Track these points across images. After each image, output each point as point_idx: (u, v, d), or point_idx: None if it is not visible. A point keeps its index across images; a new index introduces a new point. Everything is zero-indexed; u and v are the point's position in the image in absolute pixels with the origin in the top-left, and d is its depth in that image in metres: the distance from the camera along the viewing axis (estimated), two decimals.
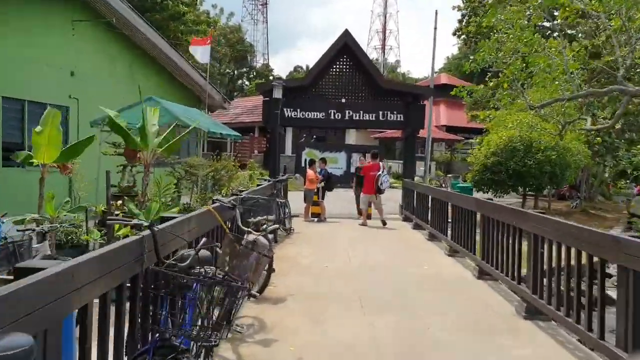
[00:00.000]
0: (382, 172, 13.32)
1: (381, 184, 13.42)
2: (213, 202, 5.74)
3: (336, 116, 17.94)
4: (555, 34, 20.61)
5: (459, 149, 55.06)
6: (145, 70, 15.59)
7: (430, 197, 12.22)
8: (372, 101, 17.95)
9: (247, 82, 72.24)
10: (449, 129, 48.60)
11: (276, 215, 10.49)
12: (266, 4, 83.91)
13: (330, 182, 15.26)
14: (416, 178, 41.44)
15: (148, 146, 8.35)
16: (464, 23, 38.05)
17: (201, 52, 17.00)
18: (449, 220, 10.39)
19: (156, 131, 8.55)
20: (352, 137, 42.98)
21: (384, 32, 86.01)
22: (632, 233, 5.45)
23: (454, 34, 42.05)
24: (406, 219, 15.79)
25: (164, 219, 4.20)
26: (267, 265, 5.77)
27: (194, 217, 4.55)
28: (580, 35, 20.93)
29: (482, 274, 7.65)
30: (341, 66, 17.91)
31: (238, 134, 12.14)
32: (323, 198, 15.19)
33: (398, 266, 8.61)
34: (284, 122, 18.09)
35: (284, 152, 38.89)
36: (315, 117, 17.95)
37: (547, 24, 20.79)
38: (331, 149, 36.43)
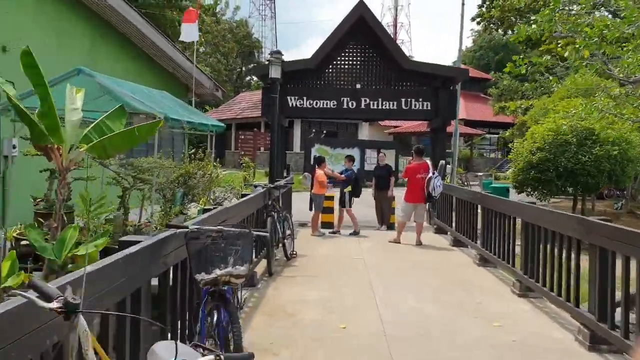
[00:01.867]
0: (434, 174, 10.55)
1: (433, 189, 10.47)
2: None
3: (350, 105, 14.96)
4: None
5: (477, 144, 51.99)
6: (113, 50, 12.69)
7: (479, 206, 9.22)
8: (393, 87, 14.94)
9: (254, 78, 69.44)
10: (467, 122, 45.45)
11: (271, 235, 7.55)
12: None
13: (358, 185, 12.24)
14: None
15: (64, 141, 5.42)
16: (484, 8, 35.11)
17: (187, 30, 14.10)
18: (515, 240, 7.41)
19: (79, 120, 5.61)
20: (364, 131, 39.90)
21: (395, 25, 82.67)
22: None
23: (473, 19, 39.03)
24: (439, 230, 12.75)
25: None
26: None
27: None
28: None
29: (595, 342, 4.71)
30: (355, 45, 14.93)
31: (221, 124, 9.20)
32: (350, 206, 12.13)
33: (454, 324, 5.62)
34: (287, 113, 15.12)
35: (291, 149, 36.00)
36: (324, 106, 14.98)
37: None
38: (343, 145, 33.19)
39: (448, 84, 14.81)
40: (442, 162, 12.90)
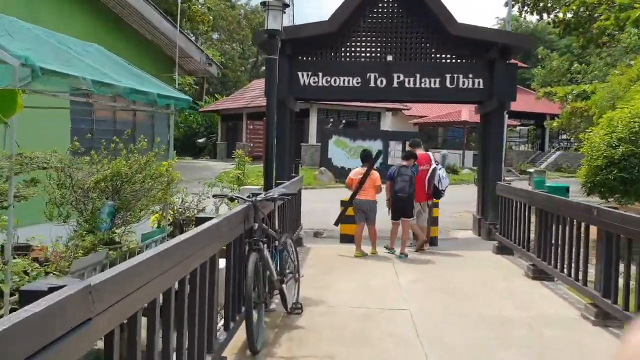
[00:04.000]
0: (437, 165, 9.45)
1: (439, 181, 9.26)
2: None
3: (378, 83, 11.59)
4: None
5: (508, 136, 48.18)
6: (59, 2, 9.44)
7: (574, 221, 5.82)
8: (435, 59, 11.52)
9: None
10: None
11: (252, 286, 4.28)
12: None
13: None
14: (465, 170, 34.80)
15: None
16: None
17: None
18: None
19: None
20: (387, 122, 36.40)
21: None
22: None
23: (506, 4, 35.44)
24: (502, 249, 9.31)
25: None
26: None
27: None
28: None
29: None
30: (387, 3, 11.54)
31: (185, 97, 5.96)
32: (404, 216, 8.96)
33: None
34: (297, 93, 11.79)
35: (306, 140, 32.64)
36: (345, 84, 11.63)
37: None
38: (364, 136, 29.87)
39: (507, 54, 11.32)
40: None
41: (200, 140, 38.93)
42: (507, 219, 9.11)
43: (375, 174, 8.99)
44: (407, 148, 10.20)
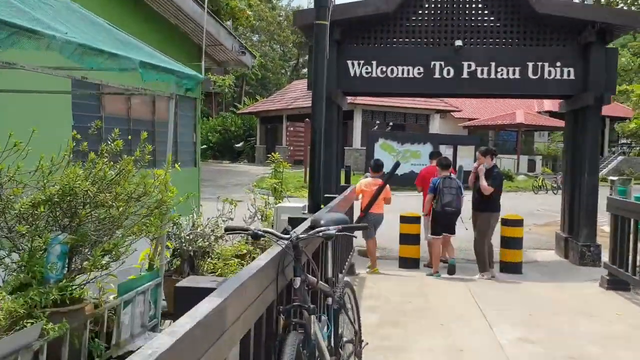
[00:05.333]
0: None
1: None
2: None
3: (445, 73, 9.58)
4: None
5: (556, 140, 45.13)
6: None
7: None
8: (514, 44, 9.45)
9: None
10: (554, 114, 38.90)
11: None
12: None
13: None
14: (520, 177, 32.22)
15: None
16: None
17: None
18: None
19: None
20: (435, 124, 34.14)
21: None
22: None
23: None
24: (615, 283, 7.14)
25: None
26: None
27: None
28: None
29: None
30: None
31: (193, 72, 4.17)
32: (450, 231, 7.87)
33: None
34: (347, 85, 9.88)
35: (350, 144, 30.68)
36: (404, 75, 9.67)
37: None
38: (412, 139, 27.39)
39: (607, 37, 9.14)
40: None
41: (238, 145, 37.45)
42: (624, 245, 6.96)
43: (387, 186, 8.30)
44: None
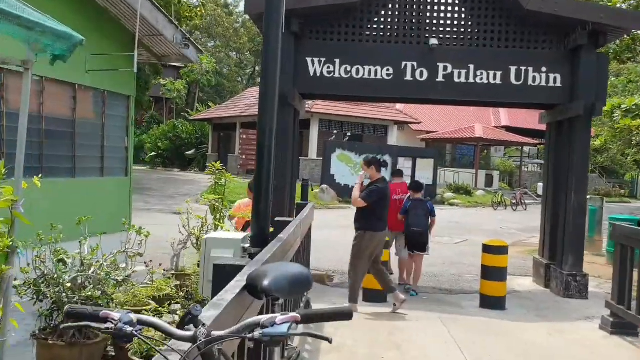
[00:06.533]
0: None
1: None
2: None
3: (417, 75, 8.41)
4: None
5: (510, 155, 45.13)
6: None
7: None
8: (496, 44, 8.35)
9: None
10: (510, 130, 38.70)
11: None
12: None
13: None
14: (479, 192, 31.55)
15: None
16: None
17: None
18: None
19: None
20: (393, 136, 33.21)
21: None
22: None
23: None
24: (621, 326, 6.01)
25: None
26: None
27: None
28: None
29: None
30: None
31: (65, 29, 2.88)
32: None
33: None
34: (306, 86, 8.58)
35: (306, 154, 29.34)
36: (372, 76, 8.44)
37: None
38: (370, 150, 26.54)
39: (599, 39, 8.14)
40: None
41: (189, 153, 35.64)
42: (627, 279, 5.85)
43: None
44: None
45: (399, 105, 36.22)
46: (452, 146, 40.19)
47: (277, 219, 4.34)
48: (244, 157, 22.81)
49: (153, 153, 37.70)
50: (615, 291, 6.01)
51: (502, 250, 7.17)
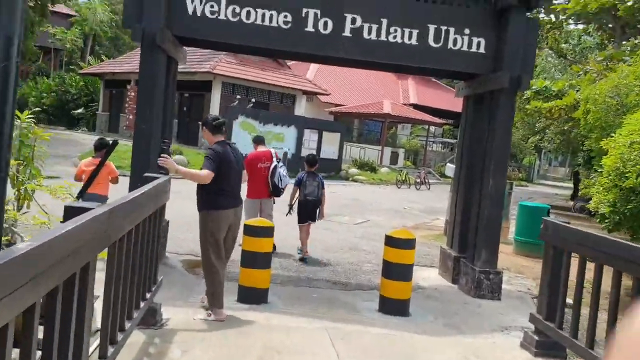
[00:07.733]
0: (279, 162, 8.42)
1: (279, 179, 8.19)
2: None
3: (320, 26, 6.94)
4: None
5: (416, 134, 45.12)
6: None
7: None
8: None
9: None
10: (418, 108, 38.43)
11: None
12: None
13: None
14: (384, 169, 30.89)
15: None
16: None
17: None
18: None
19: None
20: (301, 106, 31.76)
21: None
22: None
23: None
24: (546, 346, 4.85)
25: None
26: None
27: None
28: None
29: None
30: None
31: None
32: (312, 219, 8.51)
33: None
34: (182, 28, 6.83)
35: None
36: (265, 23, 6.88)
37: None
38: (276, 120, 24.91)
39: (531, 1, 7.00)
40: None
41: (78, 111, 32.37)
42: (560, 291, 4.73)
43: (111, 165, 7.44)
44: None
45: (309, 74, 34.77)
46: (360, 121, 39.40)
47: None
48: (130, 117, 20.48)
49: (36, 109, 34.00)
50: (543, 304, 4.87)
51: (408, 243, 5.89)
